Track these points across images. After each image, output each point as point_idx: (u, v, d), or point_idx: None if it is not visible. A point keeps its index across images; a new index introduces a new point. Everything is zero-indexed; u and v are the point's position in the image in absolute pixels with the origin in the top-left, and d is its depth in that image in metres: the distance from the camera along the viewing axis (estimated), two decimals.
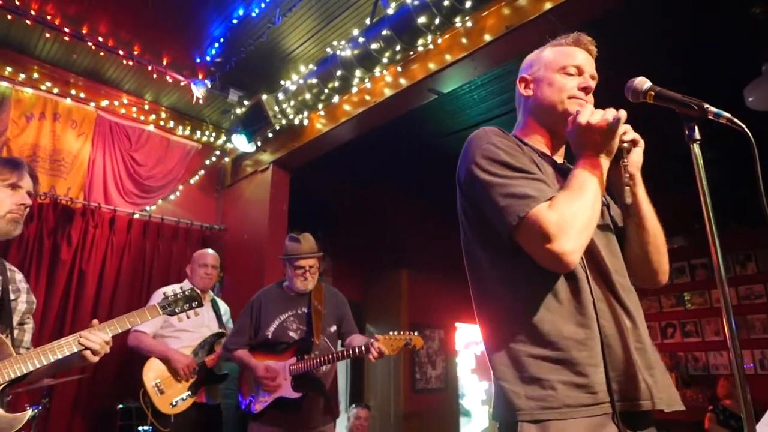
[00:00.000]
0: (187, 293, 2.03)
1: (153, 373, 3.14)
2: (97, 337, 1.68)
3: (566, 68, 1.28)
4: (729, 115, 1.07)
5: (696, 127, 1.10)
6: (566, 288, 1.13)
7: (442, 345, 6.76)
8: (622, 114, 1.15)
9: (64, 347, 1.65)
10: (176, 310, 1.98)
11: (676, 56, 3.74)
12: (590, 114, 1.16)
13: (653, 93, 1.12)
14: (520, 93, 1.37)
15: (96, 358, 1.70)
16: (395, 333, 2.61)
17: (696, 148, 1.10)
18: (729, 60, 3.77)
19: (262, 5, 3.46)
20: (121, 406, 3.41)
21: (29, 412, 1.63)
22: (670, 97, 1.11)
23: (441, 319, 6.76)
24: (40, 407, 2.71)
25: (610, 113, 1.14)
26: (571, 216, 1.06)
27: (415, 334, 2.63)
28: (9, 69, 3.95)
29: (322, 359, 2.64)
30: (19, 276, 1.81)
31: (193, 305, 2.02)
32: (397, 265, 6.38)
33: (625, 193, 1.18)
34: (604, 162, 1.16)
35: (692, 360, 6.56)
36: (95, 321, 1.76)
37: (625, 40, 3.17)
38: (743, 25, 3.44)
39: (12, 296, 1.73)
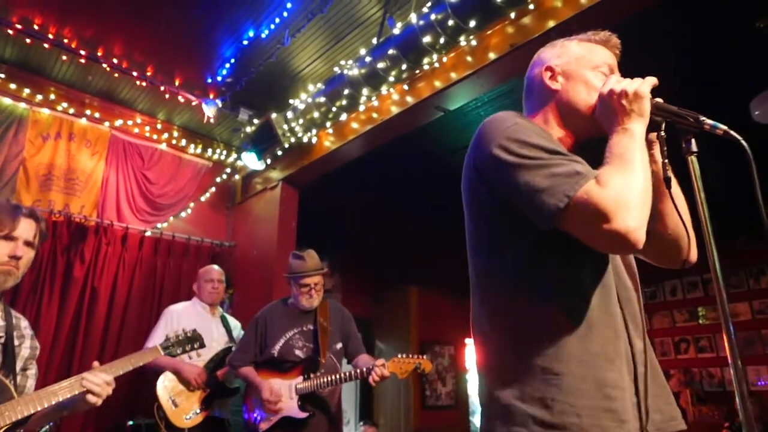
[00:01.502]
0: (189, 335, 2.09)
1: (167, 387, 3.17)
2: (99, 378, 1.65)
3: (600, 66, 1.20)
4: (725, 127, 1.07)
5: (693, 140, 1.11)
6: (600, 298, 1.02)
7: (452, 361, 6.71)
8: (652, 80, 1.09)
9: (66, 389, 1.62)
10: (177, 351, 2.04)
11: (681, 70, 3.77)
12: (615, 82, 1.10)
13: (651, 106, 1.10)
14: (543, 83, 1.23)
15: (98, 401, 1.65)
16: (404, 356, 2.60)
17: (693, 161, 1.11)
18: (734, 74, 3.79)
19: (272, 26, 3.55)
20: (131, 423, 3.43)
21: None
22: (667, 109, 1.11)
23: (451, 336, 6.72)
24: (51, 424, 2.74)
25: (636, 81, 1.09)
26: (626, 188, 0.94)
27: (425, 357, 2.62)
28: (27, 91, 4.07)
29: (328, 379, 2.64)
30: (24, 323, 1.81)
31: (195, 346, 2.09)
32: (406, 281, 6.38)
33: (665, 167, 1.12)
34: (639, 129, 1.05)
35: (707, 376, 6.45)
36: (96, 363, 1.74)
37: (629, 54, 3.21)
38: (749, 38, 3.46)
39: (16, 342, 1.71)
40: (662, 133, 1.13)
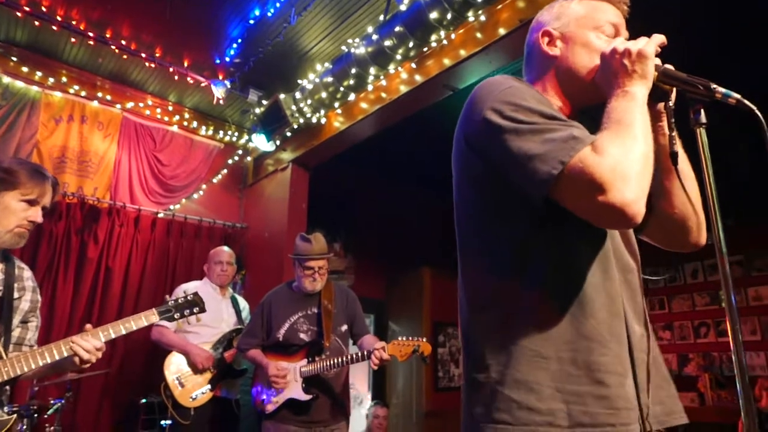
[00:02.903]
0: (189, 298, 2.01)
1: (174, 366, 3.22)
2: (89, 344, 1.64)
3: (602, 27, 1.10)
4: (738, 96, 0.98)
5: (702, 110, 1.02)
6: (595, 277, 0.95)
7: None
8: (658, 38, 1.01)
9: (54, 351, 1.63)
10: (175, 316, 1.95)
11: (702, 39, 3.59)
12: (619, 42, 1.02)
13: (657, 72, 1.02)
14: (541, 50, 1.14)
15: (84, 366, 1.66)
16: (404, 338, 2.60)
17: (702, 133, 1.03)
18: (758, 44, 3.60)
19: (278, 5, 3.49)
20: (144, 400, 3.50)
21: (13, 418, 1.63)
22: (675, 75, 1.02)
23: None
24: (63, 401, 2.81)
25: (641, 40, 1.00)
26: (624, 156, 0.86)
27: (423, 340, 2.61)
28: (39, 74, 4.09)
29: (332, 362, 2.65)
30: (27, 273, 1.82)
31: (194, 311, 2.00)
32: (419, 262, 6.35)
33: (672, 140, 1.04)
34: (640, 92, 0.97)
35: (727, 360, 6.31)
36: (88, 326, 1.72)
37: (646, 24, 3.07)
38: None
39: (16, 295, 1.73)
40: (670, 104, 1.04)
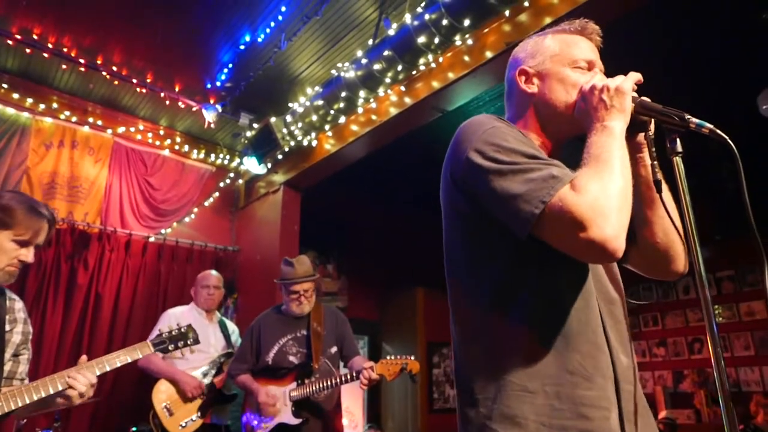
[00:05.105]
0: (182, 330, 2.01)
1: (162, 394, 3.17)
2: (84, 378, 1.64)
3: (577, 62, 1.12)
4: (711, 126, 1.01)
5: (678, 140, 1.05)
6: (578, 311, 0.97)
7: None
8: (635, 75, 1.05)
9: (49, 385, 1.62)
10: (169, 348, 1.96)
11: (688, 65, 3.67)
12: (598, 79, 1.06)
13: (634, 104, 1.05)
14: (519, 88, 1.16)
15: (79, 400, 1.65)
16: (392, 357, 2.60)
17: (678, 162, 1.05)
18: (741, 68, 3.69)
19: (268, 30, 3.54)
20: (134, 429, 3.44)
21: None
22: (651, 107, 1.05)
23: None
24: (50, 431, 2.76)
25: (619, 77, 1.04)
26: (603, 193, 0.88)
27: (412, 358, 2.61)
28: (30, 100, 4.11)
29: (321, 385, 2.64)
30: (18, 305, 1.80)
31: (188, 342, 2.00)
32: (412, 282, 6.33)
33: (654, 170, 1.06)
34: (618, 126, 0.99)
35: None
36: (83, 358, 1.72)
37: (632, 49, 3.13)
38: (755, 31, 3.37)
39: (7, 327, 1.71)
40: (650, 133, 1.07)
